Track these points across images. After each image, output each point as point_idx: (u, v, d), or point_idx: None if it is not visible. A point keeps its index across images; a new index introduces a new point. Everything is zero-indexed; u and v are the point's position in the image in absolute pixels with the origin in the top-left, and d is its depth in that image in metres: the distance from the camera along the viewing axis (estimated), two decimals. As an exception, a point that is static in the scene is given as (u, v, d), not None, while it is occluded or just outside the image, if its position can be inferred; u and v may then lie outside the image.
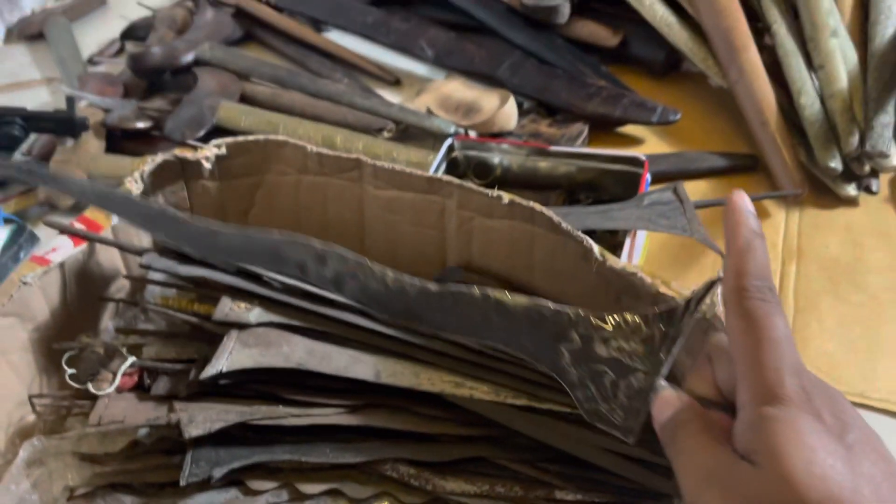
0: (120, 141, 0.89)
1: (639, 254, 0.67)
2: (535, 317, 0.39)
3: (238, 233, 0.45)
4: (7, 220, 0.81)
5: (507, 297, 0.39)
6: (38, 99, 1.07)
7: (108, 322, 0.61)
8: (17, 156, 0.87)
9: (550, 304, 0.38)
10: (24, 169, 0.51)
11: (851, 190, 0.74)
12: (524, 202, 0.51)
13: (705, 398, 0.36)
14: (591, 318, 0.37)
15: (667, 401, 0.35)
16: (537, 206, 0.51)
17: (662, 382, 0.36)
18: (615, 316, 0.37)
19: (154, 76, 1.00)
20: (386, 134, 0.84)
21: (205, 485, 0.49)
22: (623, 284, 0.50)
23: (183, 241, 0.47)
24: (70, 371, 0.53)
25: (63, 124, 0.85)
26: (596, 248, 0.48)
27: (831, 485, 0.27)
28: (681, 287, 0.45)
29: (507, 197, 0.52)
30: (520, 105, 0.89)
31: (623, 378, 0.36)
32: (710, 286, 0.36)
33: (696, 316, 0.35)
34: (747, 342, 0.32)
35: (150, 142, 0.88)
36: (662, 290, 0.44)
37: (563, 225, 0.49)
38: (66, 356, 0.54)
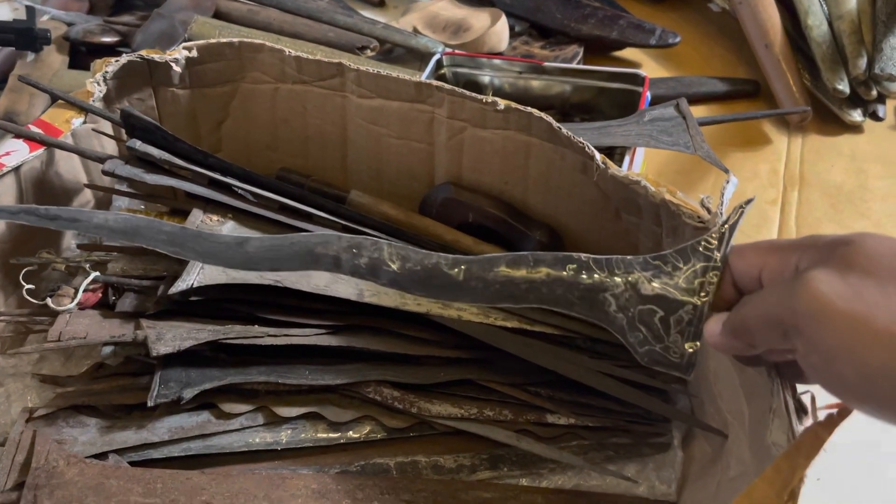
0: (84, 57, 0.84)
1: (635, 178, 0.63)
2: (574, 268, 0.39)
3: (268, 240, 0.43)
4: (-37, 138, 0.75)
5: (546, 256, 0.39)
6: (-1, 16, 1.01)
7: (69, 240, 0.57)
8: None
9: (584, 256, 0.38)
10: (26, 211, 0.47)
11: (857, 116, 0.72)
12: (521, 108, 0.47)
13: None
14: (632, 260, 0.38)
15: (715, 320, 0.36)
16: (535, 112, 0.47)
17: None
18: (655, 254, 0.38)
19: (122, -9, 0.94)
20: (369, 52, 0.79)
21: (174, 407, 0.46)
22: (623, 197, 0.47)
23: (212, 257, 0.45)
24: (28, 286, 0.49)
25: (23, 35, 0.79)
26: (598, 154, 0.45)
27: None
28: (687, 197, 0.42)
29: (502, 103, 0.48)
30: (511, 27, 0.84)
31: (672, 313, 0.37)
32: (740, 211, 0.37)
33: (730, 242, 0.36)
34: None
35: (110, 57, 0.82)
36: (668, 198, 0.41)
37: (564, 131, 0.46)
38: (24, 271, 0.50)
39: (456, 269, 0.41)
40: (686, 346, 0.37)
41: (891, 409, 0.29)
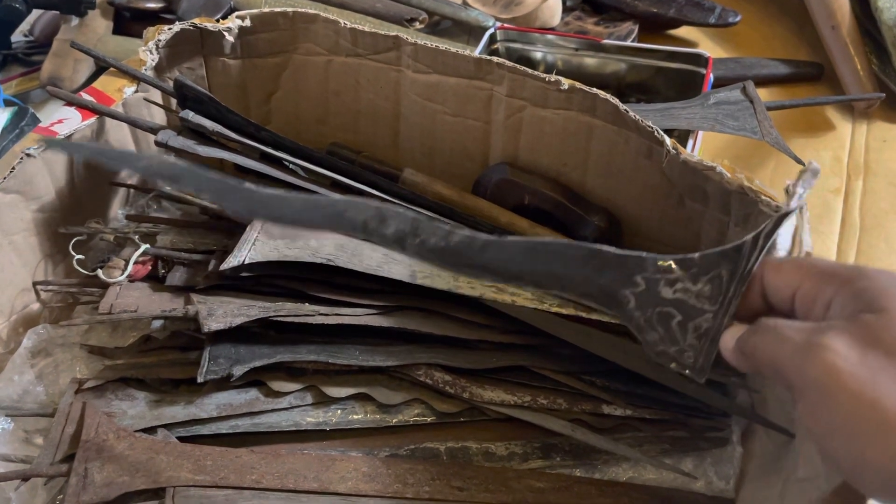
0: (128, 22, 0.83)
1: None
2: (597, 262, 0.36)
3: (304, 198, 0.41)
4: (8, 102, 0.75)
5: (572, 244, 0.37)
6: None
7: (117, 210, 0.57)
8: (18, 35, 0.81)
9: (614, 249, 0.36)
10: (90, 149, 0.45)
11: (926, 103, 0.69)
12: (586, 88, 0.46)
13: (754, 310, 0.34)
14: (656, 261, 0.35)
15: (733, 332, 0.34)
16: (601, 94, 0.45)
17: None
18: (680, 256, 0.35)
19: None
20: (418, 25, 0.77)
21: (223, 384, 0.45)
22: (690, 184, 0.45)
23: (247, 210, 0.43)
24: (78, 256, 0.49)
25: (68, 0, 0.78)
26: (668, 140, 0.43)
27: None
28: (764, 185, 0.40)
29: (566, 82, 0.46)
30: (562, 2, 0.82)
31: (691, 319, 0.35)
32: (780, 220, 0.33)
33: (763, 253, 0.33)
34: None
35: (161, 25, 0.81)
36: (746, 184, 0.39)
37: (630, 114, 0.44)
38: (73, 241, 0.50)
39: (479, 248, 0.38)
40: (701, 353, 0.35)
41: (872, 496, 0.27)
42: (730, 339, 0.33)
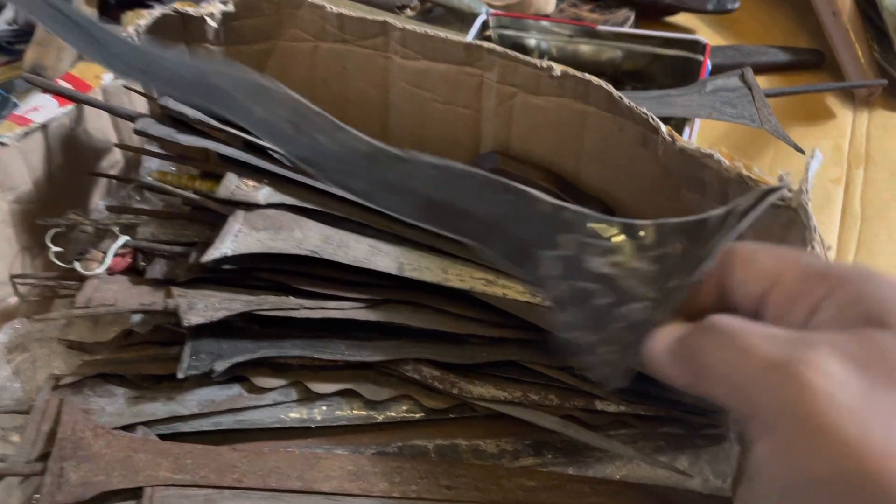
0: (113, 9, 0.81)
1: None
2: (518, 207, 0.29)
3: (184, 61, 0.36)
4: (-9, 92, 0.73)
5: (493, 177, 0.29)
6: (27, -34, 0.98)
7: (98, 201, 0.55)
8: (1, 23, 0.79)
9: (541, 195, 0.28)
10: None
11: (929, 91, 0.67)
12: (579, 74, 0.44)
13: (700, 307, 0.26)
14: (589, 221, 0.28)
15: (671, 331, 0.25)
16: (594, 80, 0.44)
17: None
18: (625, 221, 0.27)
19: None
20: (409, 12, 0.76)
21: (205, 379, 0.44)
22: (687, 173, 0.44)
23: (149, 71, 0.38)
24: (56, 249, 0.47)
25: (51, -14, 0.76)
26: (664, 127, 0.41)
27: None
28: (763, 173, 0.39)
29: (558, 68, 0.45)
30: (557, -12, 0.80)
31: (619, 305, 0.27)
32: (762, 197, 0.26)
33: (733, 234, 0.25)
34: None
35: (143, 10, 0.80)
36: (744, 173, 0.38)
37: (624, 101, 0.42)
38: (51, 232, 0.48)
39: (375, 155, 0.32)
40: (623, 350, 0.26)
41: None
42: (665, 338, 0.25)
